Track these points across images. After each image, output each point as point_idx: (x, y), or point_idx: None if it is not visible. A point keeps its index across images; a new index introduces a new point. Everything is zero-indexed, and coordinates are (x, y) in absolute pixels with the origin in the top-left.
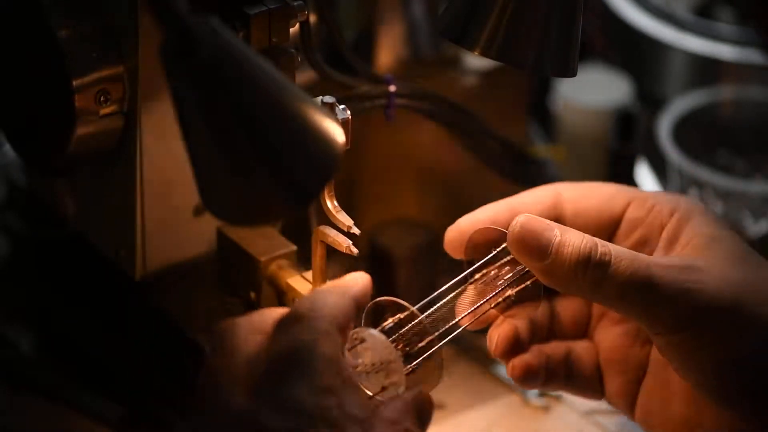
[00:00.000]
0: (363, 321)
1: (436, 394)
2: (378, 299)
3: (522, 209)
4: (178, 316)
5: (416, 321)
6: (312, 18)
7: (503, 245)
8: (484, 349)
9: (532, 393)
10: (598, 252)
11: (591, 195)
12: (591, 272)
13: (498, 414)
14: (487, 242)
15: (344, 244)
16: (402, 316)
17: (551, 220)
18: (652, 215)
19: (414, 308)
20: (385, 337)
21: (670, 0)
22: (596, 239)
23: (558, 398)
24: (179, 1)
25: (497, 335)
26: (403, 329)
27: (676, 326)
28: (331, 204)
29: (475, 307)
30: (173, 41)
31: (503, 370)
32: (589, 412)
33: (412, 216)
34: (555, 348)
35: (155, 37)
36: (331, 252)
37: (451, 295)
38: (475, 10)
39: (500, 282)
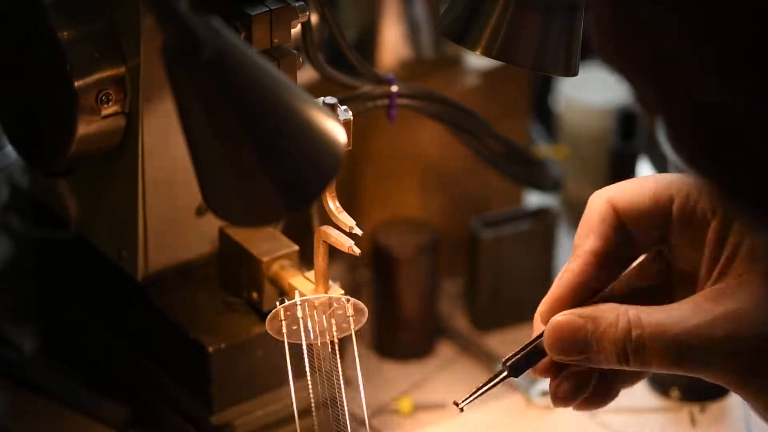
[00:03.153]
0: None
1: (439, 394)
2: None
3: (599, 258)
4: (180, 316)
5: None
6: (313, 18)
7: None
8: (486, 348)
9: (536, 392)
10: (633, 336)
11: (637, 199)
12: (632, 357)
13: (501, 413)
14: None
15: (346, 244)
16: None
17: (618, 233)
18: (697, 213)
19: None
20: None
21: None
22: (630, 317)
23: None
24: (180, 1)
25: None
26: None
27: (730, 381)
28: (333, 204)
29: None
30: (175, 41)
31: None
32: (591, 411)
33: (413, 216)
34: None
35: (157, 37)
36: (334, 252)
37: None
38: (477, 10)
39: None
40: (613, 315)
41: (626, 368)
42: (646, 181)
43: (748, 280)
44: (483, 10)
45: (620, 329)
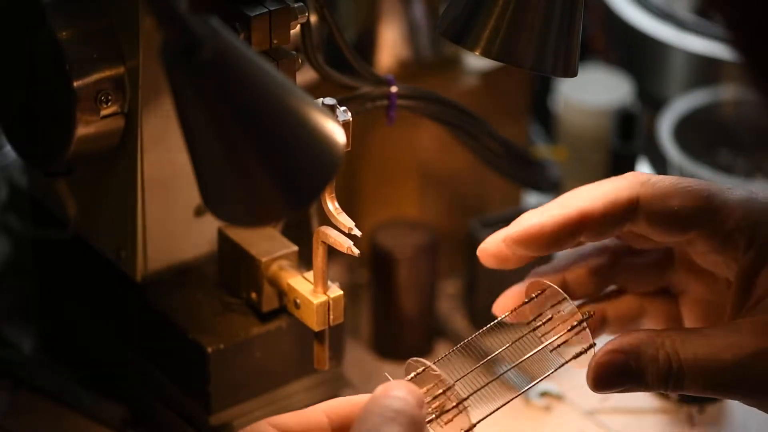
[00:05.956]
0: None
1: None
2: (413, 362)
3: (592, 219)
4: (179, 317)
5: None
6: (313, 19)
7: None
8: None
9: (534, 393)
10: (673, 370)
11: (668, 209)
12: (672, 386)
13: (499, 413)
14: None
15: (345, 244)
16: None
17: (623, 226)
18: (729, 243)
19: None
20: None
21: (671, 0)
22: (669, 350)
23: (559, 398)
24: (179, 2)
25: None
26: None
27: (765, 408)
28: (332, 205)
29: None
30: (174, 41)
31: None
32: (590, 411)
33: (412, 217)
34: None
35: (156, 37)
36: (333, 253)
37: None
38: (476, 11)
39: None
40: (652, 349)
41: (663, 392)
42: (682, 196)
43: None
44: (482, 11)
45: (661, 364)
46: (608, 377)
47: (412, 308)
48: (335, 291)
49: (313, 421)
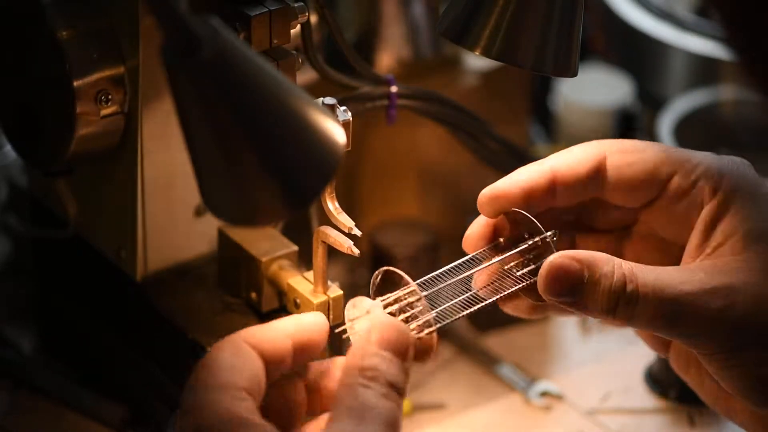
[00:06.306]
0: (371, 290)
1: (437, 394)
2: (384, 269)
3: (563, 173)
4: (178, 316)
5: (418, 296)
6: (313, 19)
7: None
8: (485, 349)
9: (534, 393)
10: (627, 289)
11: (636, 160)
12: (621, 310)
13: (499, 414)
14: (514, 222)
15: (345, 244)
16: (407, 294)
17: (593, 184)
18: (695, 191)
19: (415, 284)
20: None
21: (671, 0)
22: (626, 271)
23: (559, 398)
24: (180, 2)
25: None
26: (405, 297)
27: (711, 349)
28: (332, 205)
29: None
30: (174, 41)
31: (505, 370)
32: (590, 411)
33: (412, 216)
34: None
35: (156, 37)
36: (333, 252)
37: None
38: (476, 11)
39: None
40: (608, 266)
41: (610, 320)
42: (650, 150)
43: (746, 260)
44: (482, 11)
45: (616, 280)
46: (559, 281)
47: None
48: (335, 291)
49: (279, 344)
